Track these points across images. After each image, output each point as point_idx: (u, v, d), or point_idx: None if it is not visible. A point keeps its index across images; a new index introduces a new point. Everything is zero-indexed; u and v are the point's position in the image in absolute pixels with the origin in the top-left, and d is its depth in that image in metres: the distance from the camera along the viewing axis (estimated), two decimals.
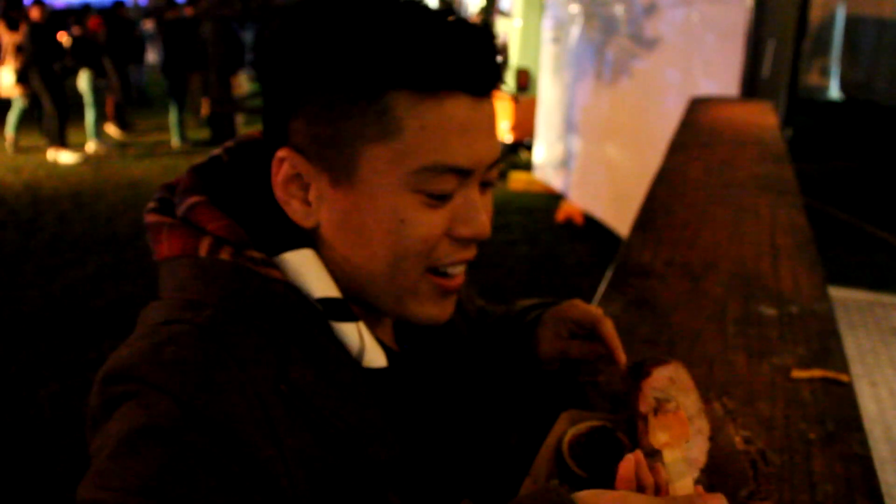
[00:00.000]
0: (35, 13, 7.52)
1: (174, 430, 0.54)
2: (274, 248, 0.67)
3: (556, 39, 6.51)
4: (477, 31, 0.64)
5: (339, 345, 0.66)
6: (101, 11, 9.50)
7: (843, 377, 1.12)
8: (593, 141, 5.99)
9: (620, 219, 5.07)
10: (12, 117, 8.19)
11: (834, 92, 9.23)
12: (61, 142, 7.87)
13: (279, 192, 0.66)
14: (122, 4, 9.17)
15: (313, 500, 0.59)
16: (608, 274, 1.49)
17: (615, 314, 1.28)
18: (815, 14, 8.12)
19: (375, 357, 0.67)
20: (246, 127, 7.71)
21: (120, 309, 4.26)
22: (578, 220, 6.15)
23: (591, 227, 5.89)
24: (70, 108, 7.97)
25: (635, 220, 1.83)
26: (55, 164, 7.70)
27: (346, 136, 0.63)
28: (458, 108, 0.63)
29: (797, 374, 1.12)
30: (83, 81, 8.17)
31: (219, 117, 8.42)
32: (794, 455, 0.93)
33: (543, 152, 7.01)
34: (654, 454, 0.62)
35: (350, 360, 0.66)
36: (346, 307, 0.67)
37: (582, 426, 0.84)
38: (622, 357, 0.86)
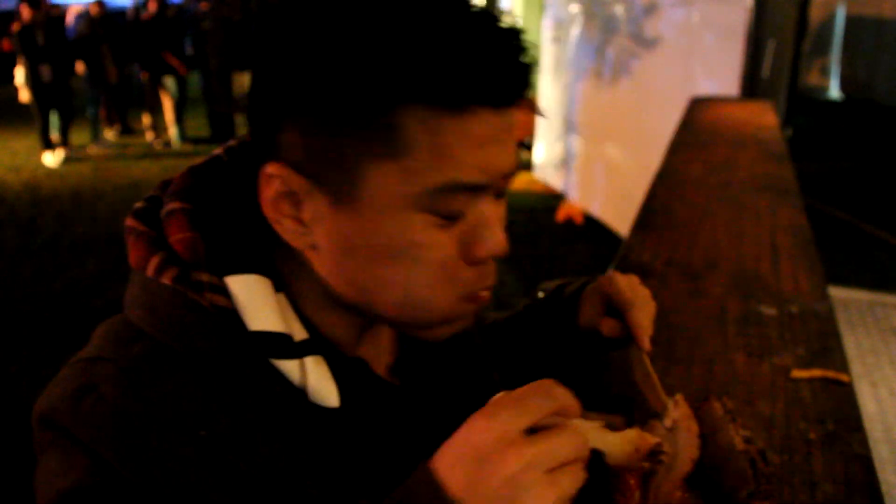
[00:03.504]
0: (26, 13, 7.27)
1: (95, 492, 0.52)
2: (223, 268, 0.59)
3: (556, 39, 6.51)
4: (505, 33, 0.55)
5: (281, 384, 0.59)
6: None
7: (843, 377, 1.12)
8: (593, 141, 5.98)
9: (620, 219, 5.06)
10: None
11: (834, 92, 9.23)
12: (63, 142, 7.85)
13: (268, 211, 0.59)
14: (102, 4, 9.09)
15: None
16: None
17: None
18: (815, 14, 8.12)
19: (324, 396, 0.59)
20: (244, 126, 7.69)
21: (120, 309, 4.26)
22: (578, 220, 6.15)
23: (591, 227, 5.89)
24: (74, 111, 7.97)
25: (635, 220, 1.83)
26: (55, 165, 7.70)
27: (348, 152, 0.55)
28: (477, 122, 0.55)
29: (797, 374, 1.12)
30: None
31: (219, 116, 8.41)
32: (794, 455, 0.93)
33: (543, 152, 7.00)
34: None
35: (294, 401, 0.59)
36: (286, 342, 0.59)
37: None
38: (646, 345, 0.79)
